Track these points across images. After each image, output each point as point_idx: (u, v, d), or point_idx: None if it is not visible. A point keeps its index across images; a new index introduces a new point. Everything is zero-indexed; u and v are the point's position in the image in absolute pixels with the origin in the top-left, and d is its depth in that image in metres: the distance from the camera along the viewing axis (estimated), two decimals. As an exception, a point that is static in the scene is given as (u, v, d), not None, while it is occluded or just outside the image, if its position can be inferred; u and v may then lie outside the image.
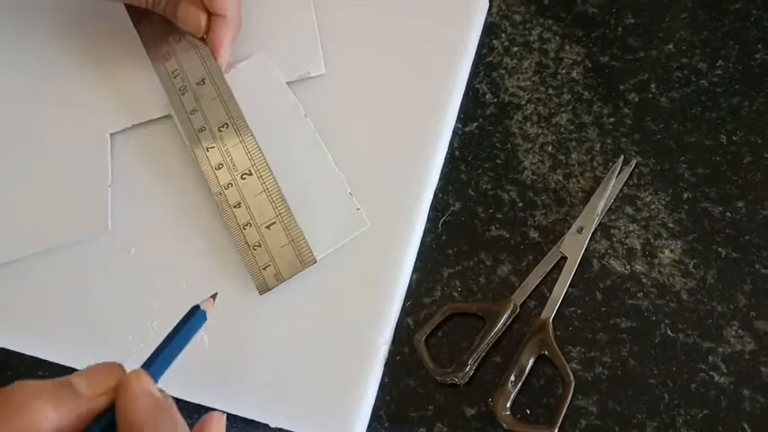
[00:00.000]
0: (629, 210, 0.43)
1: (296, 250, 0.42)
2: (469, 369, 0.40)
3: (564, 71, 0.47)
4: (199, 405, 0.41)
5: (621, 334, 0.40)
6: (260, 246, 0.42)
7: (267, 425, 0.40)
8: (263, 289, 0.42)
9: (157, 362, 0.32)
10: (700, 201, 0.43)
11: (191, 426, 0.31)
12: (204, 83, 0.46)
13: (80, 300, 0.44)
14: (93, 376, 0.29)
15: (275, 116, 0.46)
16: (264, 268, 0.42)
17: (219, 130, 0.44)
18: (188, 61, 0.46)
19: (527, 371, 0.40)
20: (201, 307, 0.36)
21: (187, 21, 0.45)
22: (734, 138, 0.44)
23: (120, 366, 0.31)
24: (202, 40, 0.46)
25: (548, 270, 0.42)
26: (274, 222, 0.42)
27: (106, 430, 0.29)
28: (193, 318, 0.35)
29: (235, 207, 0.43)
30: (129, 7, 0.48)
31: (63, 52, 0.50)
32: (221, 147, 0.44)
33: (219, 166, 0.44)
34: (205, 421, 0.32)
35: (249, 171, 0.44)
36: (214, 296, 0.37)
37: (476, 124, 0.46)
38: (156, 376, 0.32)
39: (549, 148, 0.45)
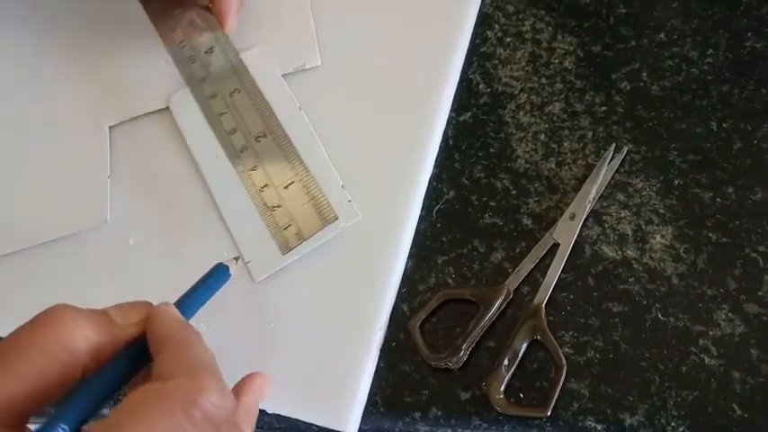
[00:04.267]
0: (620, 196, 0.43)
1: (316, 208, 0.43)
2: (464, 354, 0.41)
3: (556, 61, 0.47)
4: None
5: (613, 318, 0.41)
6: (279, 206, 0.43)
7: (264, 410, 0.41)
8: (285, 249, 0.43)
9: (180, 309, 0.33)
10: (690, 187, 0.43)
11: None
12: (212, 51, 0.47)
13: (79, 291, 0.45)
14: (124, 308, 0.31)
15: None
16: (285, 228, 0.43)
17: (231, 96, 0.45)
18: (195, 31, 0.47)
19: (520, 355, 0.40)
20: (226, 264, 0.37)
21: None
22: (724, 125, 0.44)
23: (149, 302, 0.32)
24: (208, 9, 0.47)
25: (540, 256, 0.43)
26: (293, 182, 0.43)
27: (137, 355, 0.30)
28: (217, 273, 0.36)
29: (251, 170, 0.44)
30: None
31: (61, 46, 0.50)
32: (234, 112, 0.45)
33: (233, 131, 0.45)
34: (245, 380, 0.33)
35: (263, 134, 0.44)
36: (237, 258, 0.38)
37: (469, 114, 0.47)
38: None
39: (542, 136, 0.46)
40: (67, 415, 0.27)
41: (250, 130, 0.44)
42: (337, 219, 0.43)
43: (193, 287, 0.35)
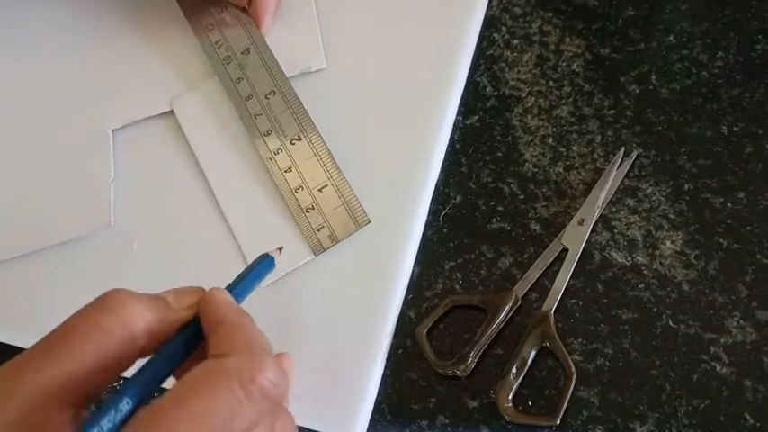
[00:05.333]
0: (630, 201, 0.43)
1: (349, 212, 0.43)
2: (471, 361, 0.40)
3: (564, 64, 0.47)
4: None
5: (623, 325, 0.40)
6: (313, 208, 0.43)
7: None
8: (319, 250, 0.43)
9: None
10: (701, 192, 0.43)
11: None
12: (249, 52, 0.47)
13: (83, 295, 0.44)
14: (179, 293, 0.32)
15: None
16: (318, 230, 0.43)
17: (266, 98, 0.45)
18: (231, 31, 0.48)
19: (529, 363, 0.40)
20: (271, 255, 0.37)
21: None
22: (734, 129, 0.44)
23: (203, 288, 0.33)
24: (244, 10, 0.48)
25: (549, 262, 0.42)
26: (326, 185, 0.44)
27: (192, 336, 0.31)
28: (263, 263, 0.37)
29: (286, 172, 0.44)
30: None
31: (64, 49, 0.50)
32: (269, 114, 0.45)
33: (269, 133, 0.45)
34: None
35: (298, 136, 0.45)
36: (280, 249, 0.39)
37: (476, 117, 0.46)
38: None
39: (550, 140, 0.45)
40: (131, 390, 0.28)
41: (285, 131, 0.45)
42: (370, 222, 0.43)
43: (241, 275, 0.35)
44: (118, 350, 0.29)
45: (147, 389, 0.29)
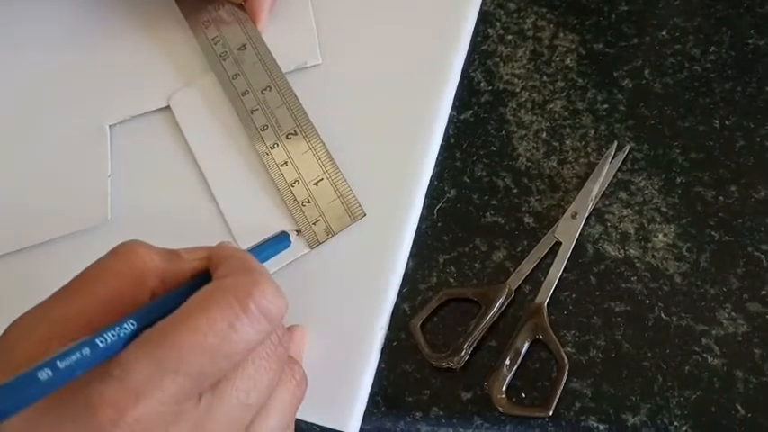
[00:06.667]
0: (622, 195, 0.43)
1: (344, 205, 0.43)
2: (465, 353, 0.41)
3: (558, 59, 0.47)
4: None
5: (615, 317, 0.41)
6: (309, 202, 0.44)
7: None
8: (314, 243, 0.43)
9: None
10: (693, 185, 0.43)
11: None
12: (245, 48, 0.47)
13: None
14: (191, 249, 0.34)
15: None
16: (314, 223, 0.43)
17: (262, 93, 0.46)
18: (228, 28, 0.48)
19: (522, 354, 0.40)
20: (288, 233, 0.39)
21: None
22: (727, 123, 0.44)
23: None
24: (241, 6, 0.48)
25: (542, 255, 0.42)
26: (322, 179, 0.44)
27: (201, 283, 0.31)
28: (279, 239, 0.38)
29: (282, 166, 0.45)
30: None
31: (61, 44, 0.50)
32: (265, 109, 0.45)
33: (265, 128, 0.45)
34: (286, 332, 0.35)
35: (294, 131, 0.45)
36: (298, 231, 0.41)
37: (471, 112, 0.47)
38: None
39: (544, 134, 0.45)
40: (135, 315, 0.30)
41: (281, 126, 0.45)
42: (365, 215, 0.43)
43: (256, 244, 0.37)
44: (128, 290, 0.30)
45: (152, 317, 0.30)
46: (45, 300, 0.31)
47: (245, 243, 0.44)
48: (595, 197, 0.43)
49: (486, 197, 0.44)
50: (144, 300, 0.31)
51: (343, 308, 0.42)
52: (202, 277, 0.32)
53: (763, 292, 0.40)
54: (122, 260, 0.31)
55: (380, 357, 0.42)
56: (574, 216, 0.43)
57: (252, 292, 0.29)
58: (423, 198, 0.45)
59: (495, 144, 0.46)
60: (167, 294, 0.31)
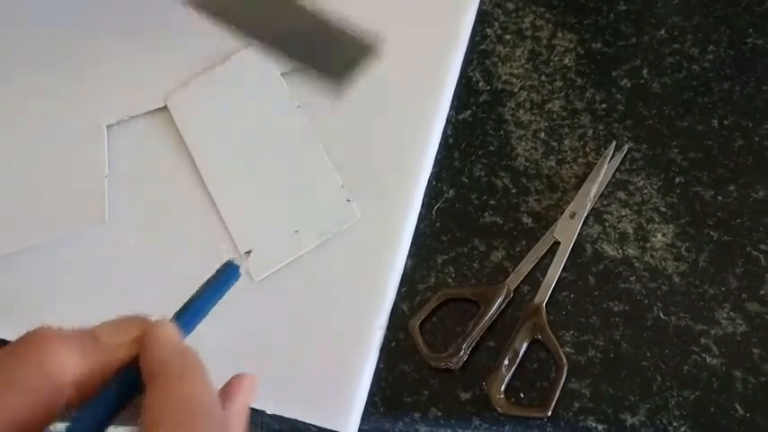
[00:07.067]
0: (621, 195, 0.43)
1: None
2: (464, 354, 0.41)
3: (556, 58, 0.47)
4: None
5: (614, 317, 0.41)
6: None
7: (263, 411, 0.41)
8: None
9: (184, 317, 0.30)
10: (691, 185, 0.43)
11: None
12: None
13: (78, 291, 0.45)
14: (116, 326, 0.27)
15: (268, 107, 0.46)
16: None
17: None
18: None
19: (521, 355, 0.40)
20: (235, 262, 0.33)
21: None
22: (725, 122, 0.44)
23: (146, 318, 0.28)
24: None
25: (541, 255, 0.42)
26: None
27: (129, 382, 0.26)
28: (225, 273, 0.32)
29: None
30: None
31: (59, 44, 0.50)
32: None
33: None
34: (233, 381, 0.30)
35: None
36: (248, 253, 0.34)
37: (469, 112, 0.47)
38: (184, 332, 0.29)
39: (542, 134, 0.45)
40: None
41: None
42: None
43: (198, 292, 0.31)
44: (40, 406, 0.25)
45: None
46: None
47: (243, 242, 0.44)
48: (594, 197, 0.43)
49: (485, 197, 0.44)
50: (58, 410, 0.25)
51: (342, 308, 0.42)
52: (130, 374, 0.27)
53: (761, 292, 0.40)
54: (29, 366, 0.25)
55: (379, 358, 0.42)
56: (572, 216, 0.43)
57: None
58: (421, 198, 0.44)
59: (493, 144, 0.45)
60: (88, 409, 0.26)
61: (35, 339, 0.25)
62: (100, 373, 0.26)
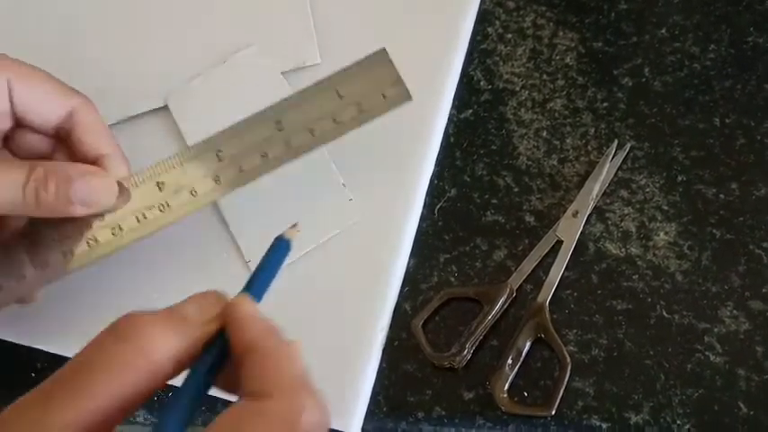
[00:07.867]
0: (623, 193, 0.43)
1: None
2: (467, 353, 0.41)
3: (558, 57, 0.47)
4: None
5: (617, 316, 0.41)
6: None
7: (267, 411, 0.41)
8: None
9: (252, 293, 0.31)
10: (694, 183, 0.43)
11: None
12: None
13: (80, 290, 0.45)
14: (199, 303, 0.29)
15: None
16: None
17: None
18: None
19: (524, 354, 0.40)
20: (285, 236, 0.34)
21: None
22: (727, 120, 0.44)
23: (221, 294, 0.30)
24: None
25: (543, 254, 0.42)
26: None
27: (219, 354, 0.28)
28: (278, 250, 0.34)
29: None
30: None
31: (56, 44, 0.50)
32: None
33: None
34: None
35: None
36: (295, 225, 0.35)
37: (471, 111, 0.46)
38: None
39: (544, 133, 0.45)
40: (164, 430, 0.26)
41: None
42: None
43: (258, 267, 0.33)
44: (142, 383, 0.26)
45: (180, 426, 0.26)
46: (47, 387, 0.26)
47: (245, 241, 0.43)
48: (596, 196, 0.43)
49: (487, 196, 0.44)
50: (158, 386, 0.27)
51: (344, 308, 0.42)
52: (219, 346, 0.28)
53: (764, 290, 0.40)
54: (129, 347, 0.26)
55: (382, 357, 0.42)
56: (575, 215, 0.43)
57: (298, 421, 0.26)
58: (423, 197, 0.44)
59: (495, 143, 0.45)
60: (189, 382, 0.28)
61: (131, 323, 0.27)
62: (192, 349, 0.28)
